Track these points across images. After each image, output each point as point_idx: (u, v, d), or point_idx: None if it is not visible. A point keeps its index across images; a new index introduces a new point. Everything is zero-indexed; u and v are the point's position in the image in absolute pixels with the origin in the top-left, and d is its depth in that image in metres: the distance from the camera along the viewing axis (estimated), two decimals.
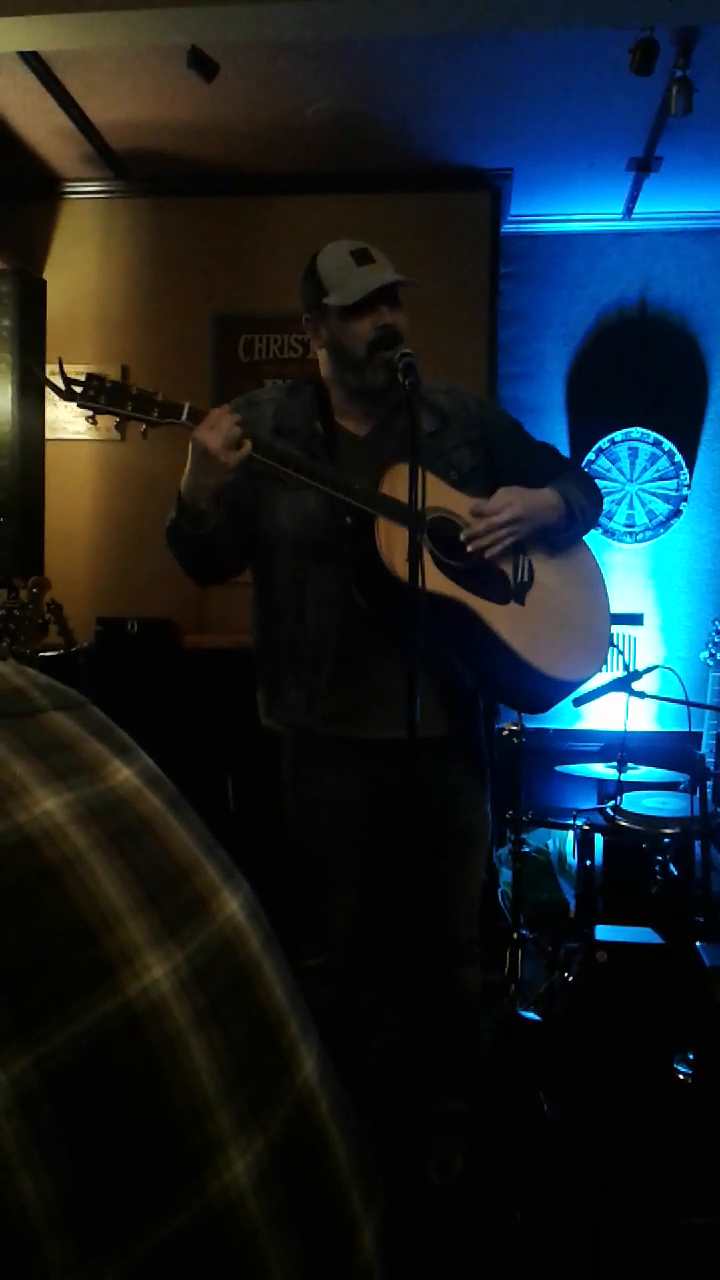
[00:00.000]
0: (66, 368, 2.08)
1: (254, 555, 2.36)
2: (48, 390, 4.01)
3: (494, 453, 2.41)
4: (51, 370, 2.09)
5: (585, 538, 2.51)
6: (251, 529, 2.31)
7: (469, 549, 2.23)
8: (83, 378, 2.04)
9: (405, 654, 1.89)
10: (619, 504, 4.97)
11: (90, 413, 2.06)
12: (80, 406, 2.04)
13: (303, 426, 2.30)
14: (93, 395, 2.04)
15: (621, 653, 4.82)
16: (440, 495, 2.23)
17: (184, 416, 2.08)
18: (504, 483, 2.37)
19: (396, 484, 2.15)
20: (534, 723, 3.86)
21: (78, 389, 2.03)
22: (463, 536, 2.23)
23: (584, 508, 2.38)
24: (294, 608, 2.30)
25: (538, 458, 2.48)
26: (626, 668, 4.62)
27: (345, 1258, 0.54)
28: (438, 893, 2.39)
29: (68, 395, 2.03)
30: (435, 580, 2.11)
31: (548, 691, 2.39)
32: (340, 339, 2.25)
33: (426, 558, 2.00)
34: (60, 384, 2.03)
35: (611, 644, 2.61)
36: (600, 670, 2.50)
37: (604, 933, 2.71)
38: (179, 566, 2.34)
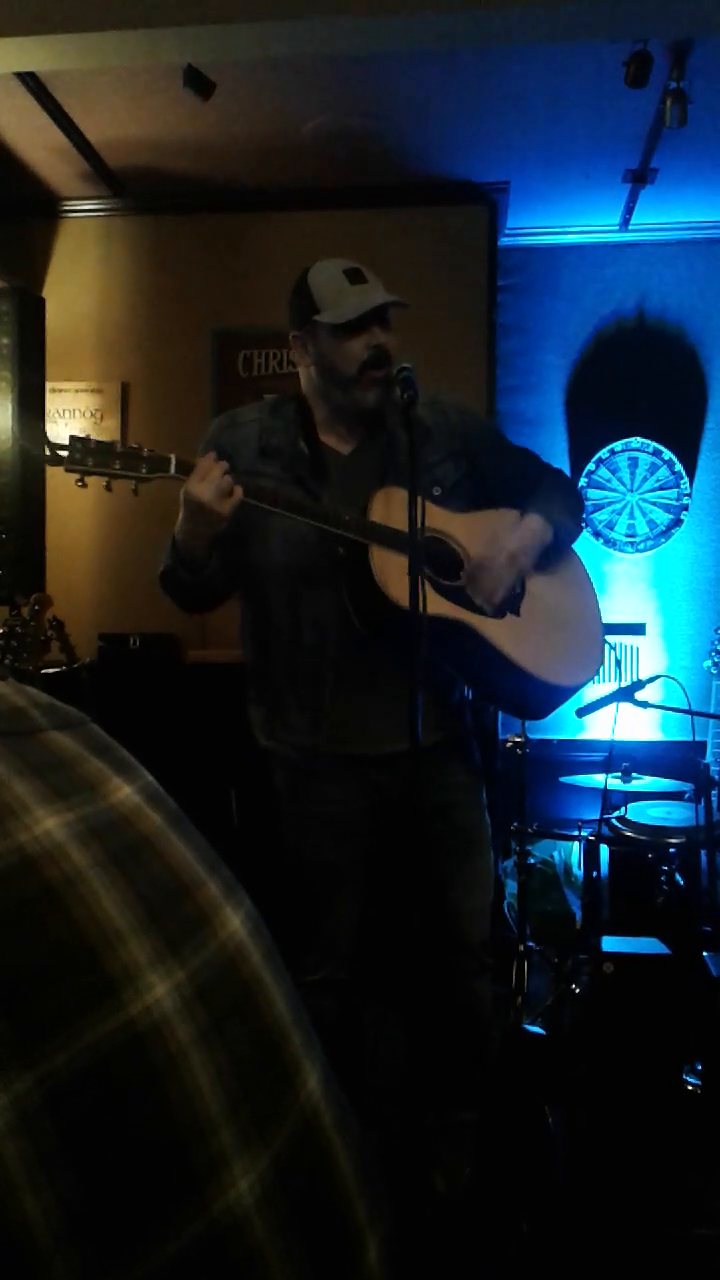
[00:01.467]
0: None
1: (245, 580, 2.37)
2: (47, 406, 4.03)
3: (476, 464, 2.42)
4: (37, 440, 2.10)
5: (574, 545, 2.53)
6: (242, 557, 2.32)
7: (483, 607, 2.26)
8: (66, 441, 2.05)
9: (407, 674, 1.90)
10: (620, 514, 4.97)
11: (79, 477, 2.06)
12: (68, 471, 2.04)
13: (287, 446, 2.31)
14: (79, 459, 2.04)
15: (618, 661, 4.82)
16: (428, 515, 2.24)
17: (172, 470, 2.09)
18: (487, 494, 2.39)
19: (383, 508, 2.16)
20: (537, 734, 3.86)
21: (63, 454, 2.03)
22: (478, 602, 2.26)
23: (567, 526, 2.41)
24: (291, 632, 2.31)
25: (519, 467, 2.49)
26: (610, 666, 4.62)
27: (350, 1272, 0.54)
28: (444, 897, 2.40)
29: (53, 460, 2.04)
30: (434, 603, 2.12)
31: (549, 698, 2.41)
32: (331, 357, 2.26)
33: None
34: (46, 452, 2.04)
35: (609, 645, 2.63)
36: (597, 671, 2.52)
37: (610, 944, 2.71)
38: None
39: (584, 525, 2.56)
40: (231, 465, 2.14)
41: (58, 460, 2.04)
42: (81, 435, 2.07)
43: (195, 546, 2.16)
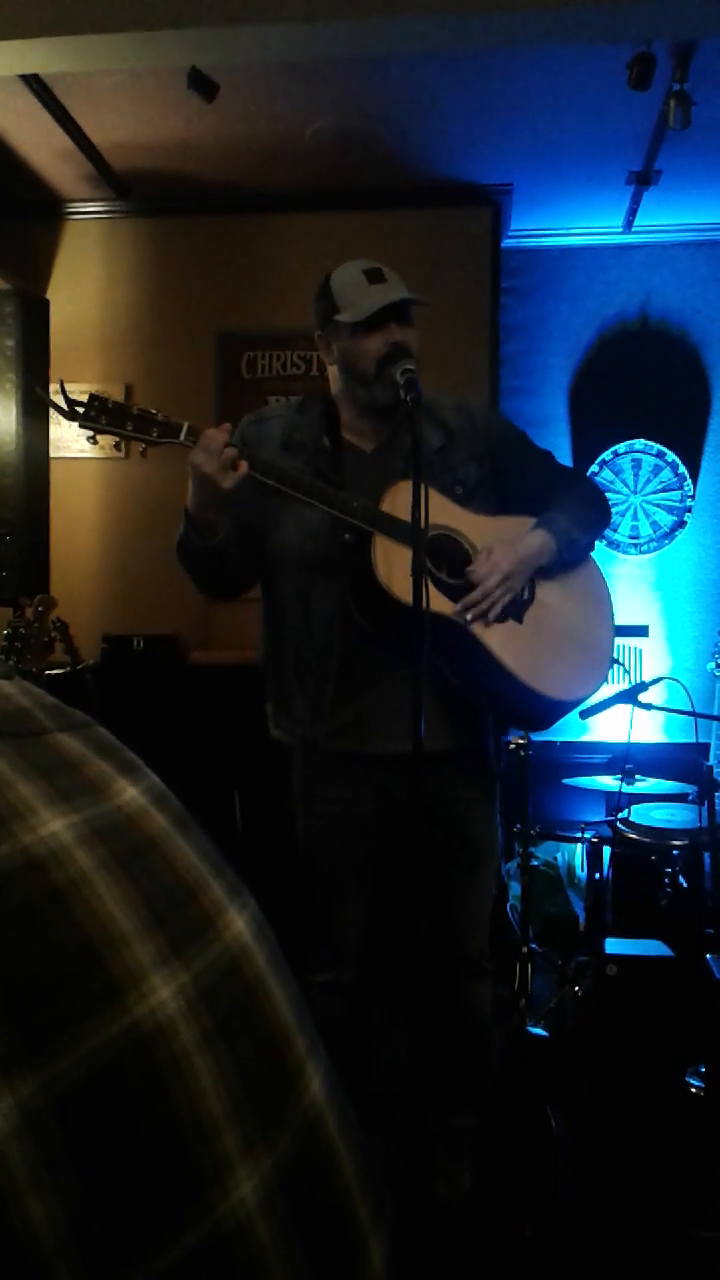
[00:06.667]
0: (70, 387, 2.11)
1: (264, 571, 2.38)
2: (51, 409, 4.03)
3: (498, 465, 2.42)
4: (54, 390, 2.13)
5: (592, 553, 2.51)
6: (260, 545, 2.33)
7: (469, 618, 2.24)
8: (85, 398, 2.07)
9: (408, 671, 1.89)
10: (623, 516, 4.97)
11: (91, 433, 2.09)
12: (82, 427, 2.08)
13: (310, 442, 2.32)
14: (94, 416, 2.07)
15: (624, 666, 4.81)
16: (444, 512, 2.24)
17: (182, 436, 2.11)
18: (510, 497, 2.38)
19: (397, 501, 2.16)
20: (541, 735, 3.85)
21: (80, 409, 2.06)
22: (459, 608, 2.24)
23: (574, 539, 2.38)
24: (300, 622, 2.31)
25: (541, 472, 2.49)
26: (627, 675, 4.62)
27: (354, 1276, 0.54)
28: (446, 905, 2.39)
29: (70, 415, 2.06)
30: (432, 599, 2.11)
31: (545, 710, 2.38)
32: (351, 355, 2.28)
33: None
34: (63, 404, 2.06)
35: (615, 661, 2.60)
36: (600, 686, 2.48)
37: (614, 946, 2.71)
38: (191, 583, 2.37)
39: (605, 534, 2.52)
40: (247, 447, 2.16)
41: (74, 415, 2.07)
42: (100, 394, 2.11)
43: (203, 514, 2.18)
